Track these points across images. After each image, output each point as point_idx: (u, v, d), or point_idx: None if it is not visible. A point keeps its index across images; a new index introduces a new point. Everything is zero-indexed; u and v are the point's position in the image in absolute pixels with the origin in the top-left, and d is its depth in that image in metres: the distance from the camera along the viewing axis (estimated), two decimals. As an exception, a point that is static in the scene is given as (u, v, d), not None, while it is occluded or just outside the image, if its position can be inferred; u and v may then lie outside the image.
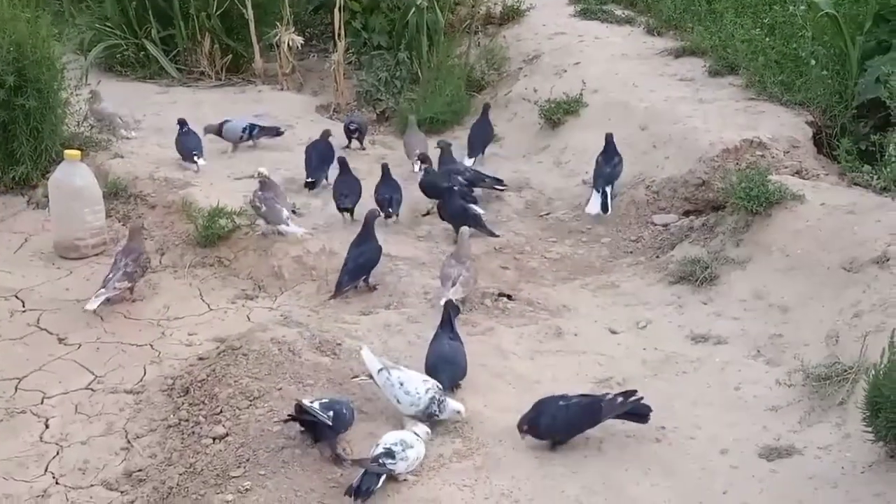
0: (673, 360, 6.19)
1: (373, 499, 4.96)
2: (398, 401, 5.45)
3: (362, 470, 5.00)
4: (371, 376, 5.58)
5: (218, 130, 9.25)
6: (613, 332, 6.56)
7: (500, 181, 8.59)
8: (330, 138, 8.87)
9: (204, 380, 5.96)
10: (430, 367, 5.84)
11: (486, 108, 9.62)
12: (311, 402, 5.36)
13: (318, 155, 8.64)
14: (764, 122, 8.50)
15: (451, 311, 6.14)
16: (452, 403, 5.49)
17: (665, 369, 6.11)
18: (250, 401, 5.66)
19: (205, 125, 9.24)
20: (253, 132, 9.29)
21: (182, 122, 8.91)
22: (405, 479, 5.11)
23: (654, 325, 6.62)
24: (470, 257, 7.04)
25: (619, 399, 5.40)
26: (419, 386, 5.46)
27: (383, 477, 5.00)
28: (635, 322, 6.65)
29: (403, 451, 5.07)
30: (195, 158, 8.67)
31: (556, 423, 5.31)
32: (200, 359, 6.29)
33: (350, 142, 9.58)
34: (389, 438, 5.16)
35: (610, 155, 8.25)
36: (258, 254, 7.45)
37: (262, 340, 6.18)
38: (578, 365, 6.14)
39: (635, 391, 5.46)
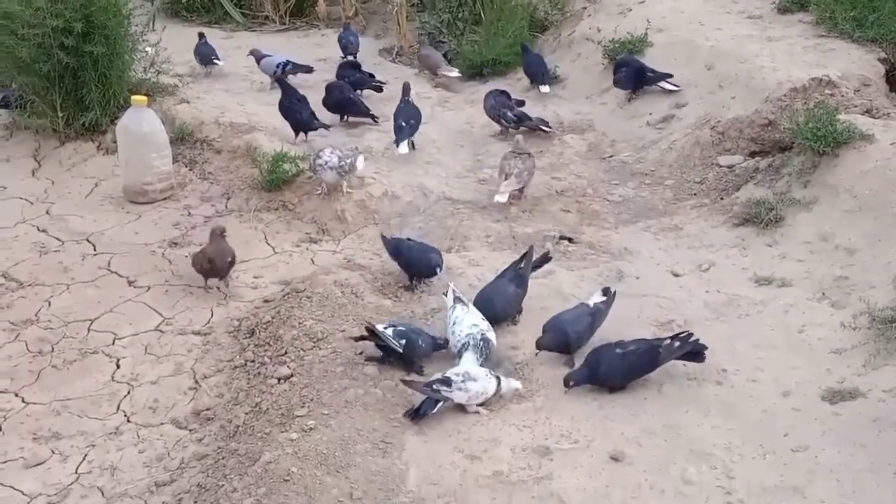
0: (735, 303, 6.12)
1: (434, 432, 5.05)
2: (453, 333, 5.59)
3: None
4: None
5: (258, 60, 9.53)
6: (675, 275, 6.50)
7: (547, 123, 8.58)
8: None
9: (269, 322, 6.06)
10: (476, 303, 5.92)
11: (524, 47, 9.79)
12: (385, 328, 5.51)
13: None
14: (834, 59, 8.27)
15: (525, 259, 6.11)
16: (512, 382, 5.37)
17: (727, 312, 6.04)
18: (314, 342, 5.75)
19: (251, 49, 9.74)
20: (286, 67, 9.51)
21: (201, 35, 9.95)
22: (476, 412, 5.18)
23: (716, 267, 6.54)
24: (527, 151, 7.39)
25: (677, 343, 5.37)
26: (465, 330, 5.53)
27: (440, 403, 5.11)
28: (698, 265, 6.58)
29: (464, 381, 5.14)
30: (214, 60, 9.65)
31: (615, 371, 5.31)
32: (266, 301, 6.39)
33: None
34: (455, 369, 5.25)
35: None
36: (321, 198, 7.49)
37: (325, 283, 6.26)
38: (639, 308, 6.09)
39: (690, 333, 5.44)
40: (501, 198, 7.30)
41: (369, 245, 7.06)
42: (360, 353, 5.63)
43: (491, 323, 5.73)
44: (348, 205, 7.41)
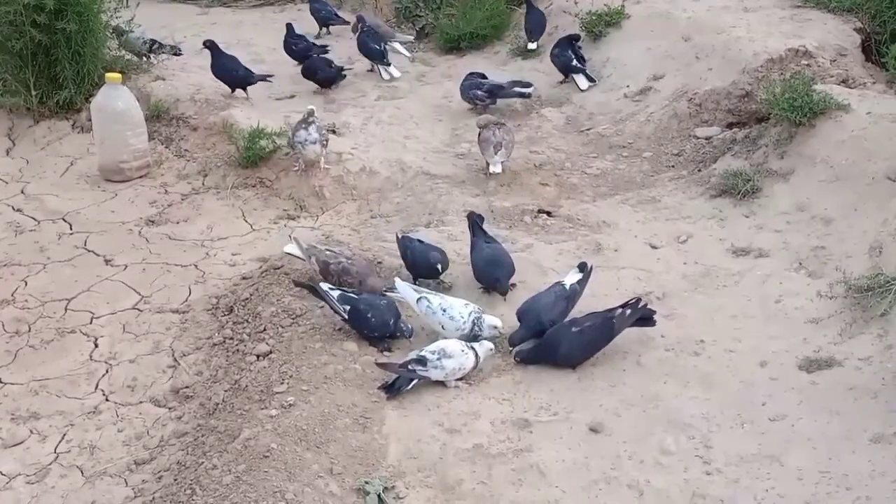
0: (713, 274, 6.14)
1: (414, 407, 5.06)
2: (443, 327, 5.49)
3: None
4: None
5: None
6: (654, 247, 6.52)
7: (525, 85, 8.57)
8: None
9: (247, 299, 6.05)
10: (480, 274, 5.91)
11: (528, 2, 9.81)
12: (332, 289, 5.54)
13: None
14: (810, 30, 8.28)
15: (476, 220, 6.17)
16: (489, 319, 5.52)
17: (705, 283, 6.07)
18: (293, 319, 5.73)
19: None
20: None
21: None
22: (456, 386, 5.20)
23: (694, 239, 6.56)
24: (500, 121, 7.49)
25: (628, 311, 5.40)
26: (462, 310, 5.48)
27: (415, 381, 5.13)
28: (676, 236, 6.60)
29: (439, 359, 5.14)
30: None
31: (574, 350, 5.34)
32: (244, 278, 6.37)
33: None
34: (431, 346, 5.25)
35: None
36: (299, 175, 7.45)
37: (303, 258, 6.23)
38: (618, 280, 6.11)
39: (639, 299, 5.48)
40: (497, 168, 7.32)
41: (347, 221, 7.04)
42: (339, 330, 5.63)
43: (508, 281, 5.86)
44: (326, 181, 7.38)
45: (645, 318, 5.47)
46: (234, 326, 5.88)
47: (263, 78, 8.79)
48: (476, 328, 5.45)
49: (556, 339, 5.33)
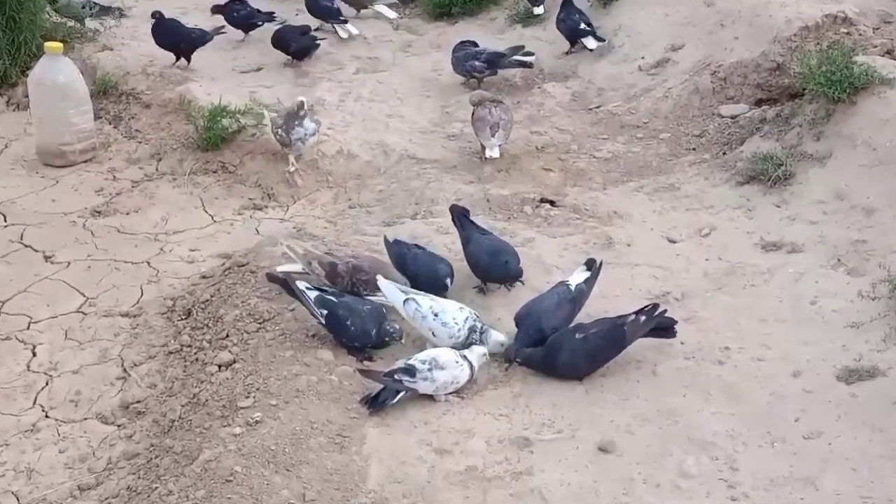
0: (740, 272, 6.15)
1: (398, 424, 5.06)
2: (433, 333, 5.48)
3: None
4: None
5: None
6: (672, 241, 6.53)
7: (527, 54, 8.56)
8: None
9: (208, 301, 6.04)
10: (485, 266, 5.89)
11: None
12: (310, 289, 5.54)
13: None
14: (850, -8, 8.31)
15: (461, 212, 6.15)
16: (495, 335, 5.48)
17: (730, 282, 6.08)
18: (259, 323, 5.73)
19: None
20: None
21: None
22: (446, 400, 5.20)
23: (718, 231, 6.57)
24: (497, 98, 7.50)
25: (643, 318, 5.39)
26: (456, 315, 5.46)
27: (401, 393, 5.12)
28: (697, 229, 6.61)
29: (430, 370, 5.14)
30: None
31: (578, 360, 5.33)
32: (203, 277, 6.37)
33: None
34: (421, 354, 5.25)
35: None
36: (267, 158, 7.45)
37: (272, 256, 6.23)
38: (631, 278, 6.11)
39: (657, 305, 5.48)
40: (494, 152, 7.32)
41: (322, 211, 7.04)
42: (313, 336, 5.62)
43: (518, 269, 5.87)
44: (298, 166, 7.38)
45: (663, 327, 5.47)
46: (192, 332, 5.87)
47: (217, 32, 8.79)
48: (473, 334, 5.43)
49: (557, 347, 5.33)
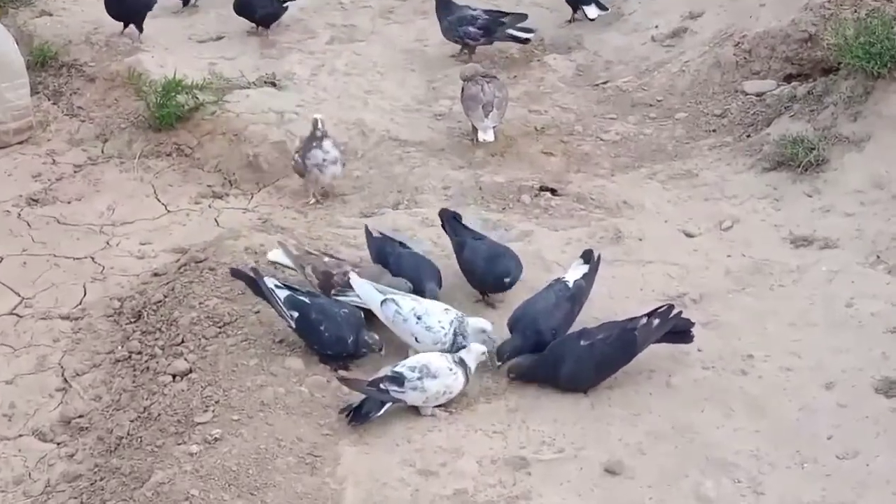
0: (766, 270, 6.18)
1: (377, 441, 5.07)
2: (417, 339, 5.49)
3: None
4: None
5: None
6: (689, 235, 6.55)
7: (527, 29, 8.54)
8: None
9: (160, 301, 6.03)
10: (482, 274, 5.89)
11: None
12: (280, 286, 5.55)
13: None
14: (892, -47, 8.33)
15: (452, 217, 6.13)
16: (474, 321, 5.50)
17: (756, 282, 6.10)
18: (219, 328, 5.73)
19: None
20: None
21: None
22: (432, 414, 5.21)
23: (741, 224, 6.60)
24: (491, 73, 7.50)
25: (656, 321, 5.40)
26: (441, 317, 5.47)
27: (388, 405, 5.14)
28: (717, 221, 6.64)
29: (420, 379, 5.15)
30: None
31: (583, 369, 5.34)
32: (156, 275, 6.36)
33: None
34: (410, 361, 5.26)
35: None
36: (228, 139, 7.45)
37: (234, 251, 6.24)
38: (642, 277, 6.13)
39: (671, 306, 5.49)
40: (488, 136, 7.32)
41: (291, 200, 7.04)
42: (281, 342, 5.63)
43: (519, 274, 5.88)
44: (263, 147, 7.38)
45: (679, 331, 5.48)
46: (142, 337, 5.87)
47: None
48: (459, 338, 5.45)
49: (559, 355, 5.35)
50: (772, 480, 4.85)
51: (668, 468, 4.93)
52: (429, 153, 7.44)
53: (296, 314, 5.49)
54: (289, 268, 5.97)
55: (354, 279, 5.67)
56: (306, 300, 5.54)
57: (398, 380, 5.15)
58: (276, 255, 6.05)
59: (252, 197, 7.18)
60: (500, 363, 5.45)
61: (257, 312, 5.79)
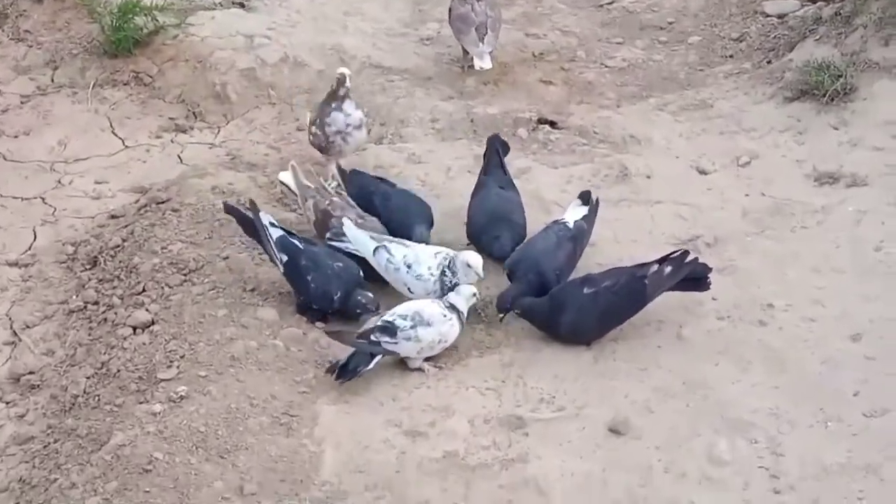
0: (787, 211, 6.20)
1: (358, 400, 5.11)
2: (409, 289, 5.54)
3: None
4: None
5: None
6: (703, 172, 6.56)
7: None
8: None
9: (119, 246, 6.03)
10: (475, 231, 5.90)
11: None
12: (275, 225, 5.59)
13: None
14: None
15: (499, 147, 6.15)
16: (464, 255, 5.49)
17: (776, 223, 6.12)
18: (184, 275, 5.74)
19: None
20: None
21: None
22: (420, 369, 5.25)
23: (761, 160, 6.61)
24: None
25: (667, 268, 5.41)
26: (430, 263, 5.51)
27: (378, 358, 5.18)
28: (734, 157, 6.65)
29: (413, 328, 5.18)
30: None
31: (586, 320, 5.36)
32: (113, 217, 6.36)
33: None
34: (401, 309, 5.29)
35: None
36: (192, 66, 7.40)
37: (200, 190, 6.26)
38: (652, 219, 6.14)
39: (686, 252, 5.50)
40: (485, 62, 7.26)
41: (262, 134, 7.02)
42: (252, 290, 5.65)
43: (514, 248, 5.80)
44: (231, 76, 7.34)
45: (692, 278, 5.49)
46: (99, 286, 5.87)
47: None
48: (447, 278, 5.48)
49: (560, 303, 5.37)
50: (792, 440, 4.87)
51: (679, 428, 4.96)
52: (415, 82, 7.42)
53: (285, 258, 5.52)
54: (292, 193, 6.02)
55: (348, 225, 5.69)
56: (299, 244, 5.57)
57: (390, 330, 5.18)
58: (286, 176, 6.11)
59: (219, 131, 7.15)
60: (501, 315, 5.48)
61: (226, 258, 5.80)
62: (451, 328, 5.28)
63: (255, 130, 7.10)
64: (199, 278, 5.72)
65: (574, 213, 5.75)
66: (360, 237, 5.66)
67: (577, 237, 5.65)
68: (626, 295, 5.38)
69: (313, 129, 6.42)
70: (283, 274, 5.56)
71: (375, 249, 5.58)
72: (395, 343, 5.18)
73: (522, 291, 5.48)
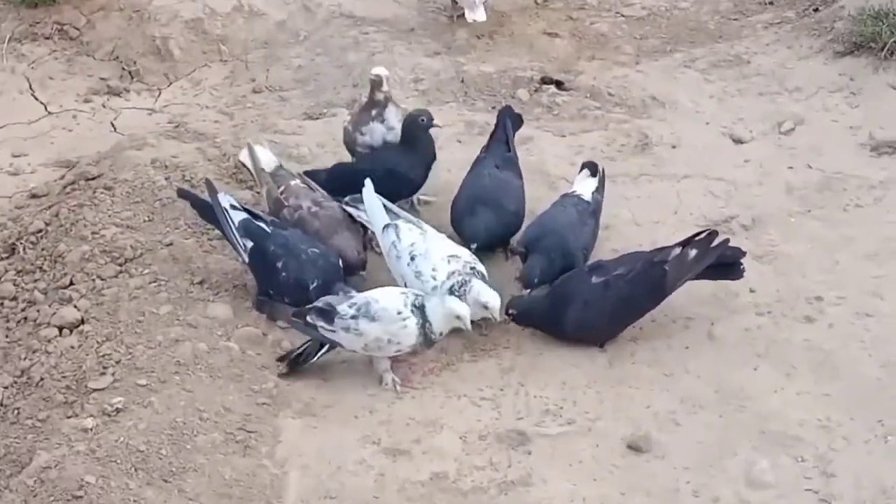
0: (838, 185, 6.23)
1: (330, 412, 5.13)
2: (406, 283, 5.53)
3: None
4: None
5: None
6: (738, 141, 6.59)
7: None
8: None
9: (41, 231, 6.02)
10: (457, 216, 5.92)
11: None
12: (236, 207, 5.61)
13: None
14: None
15: (509, 119, 6.16)
16: (478, 289, 5.37)
17: (825, 201, 6.15)
18: (120, 265, 5.74)
19: None
20: None
21: None
22: (387, 385, 5.25)
23: (807, 126, 6.64)
24: None
25: (693, 252, 5.41)
26: (439, 265, 5.49)
27: (324, 348, 5.22)
28: (776, 123, 6.67)
29: (354, 318, 5.16)
30: None
31: (595, 315, 5.37)
32: (34, 196, 6.36)
33: None
34: (361, 295, 5.28)
35: None
36: (127, 17, 7.40)
37: (137, 164, 6.25)
38: (677, 198, 6.16)
39: (714, 233, 5.49)
40: (478, 14, 7.26)
41: (212, 97, 7.04)
42: (201, 283, 5.65)
43: (488, 240, 5.81)
44: (174, 27, 7.36)
45: (725, 263, 5.51)
46: (17, 278, 5.85)
47: None
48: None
49: (565, 296, 5.38)
50: (845, 459, 4.89)
51: (711, 444, 4.98)
52: (394, 35, 7.43)
53: (250, 244, 5.53)
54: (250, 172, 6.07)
55: (368, 189, 5.72)
56: (266, 228, 5.58)
57: (328, 314, 5.18)
58: (245, 156, 6.15)
59: (159, 93, 7.17)
60: (528, 290, 5.50)
61: (169, 245, 5.80)
62: (402, 331, 5.20)
63: (203, 93, 7.13)
64: (137, 269, 5.72)
65: (586, 186, 5.78)
66: (374, 206, 5.69)
67: (597, 213, 5.70)
68: (643, 285, 5.39)
69: (348, 126, 6.33)
70: (248, 263, 5.57)
71: (386, 226, 5.61)
72: (333, 332, 5.18)
73: (546, 269, 5.49)
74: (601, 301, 5.35)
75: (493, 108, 6.78)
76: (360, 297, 5.25)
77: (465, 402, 5.19)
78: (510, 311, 5.44)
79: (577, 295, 5.37)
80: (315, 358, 5.19)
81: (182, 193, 5.85)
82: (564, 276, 5.46)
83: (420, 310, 5.22)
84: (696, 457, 4.93)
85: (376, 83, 6.22)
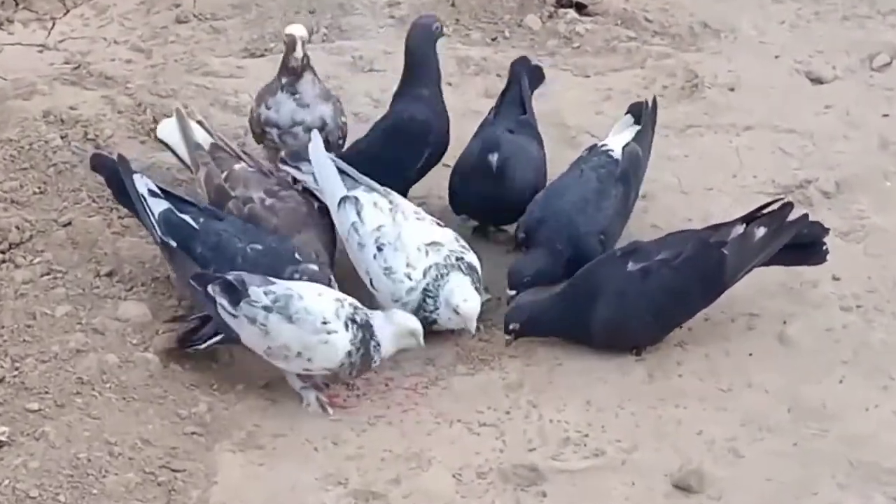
0: (950, 142, 6.28)
1: (283, 441, 5.16)
2: (372, 282, 5.59)
3: None
4: None
5: None
6: (817, 81, 6.65)
7: None
8: None
9: None
10: (451, 189, 6.03)
11: None
12: (155, 192, 5.59)
13: None
14: None
15: (525, 72, 6.22)
16: (453, 288, 5.46)
17: (931, 161, 6.21)
18: (2, 252, 5.80)
19: None
20: None
21: None
22: (308, 405, 5.31)
23: (908, 61, 6.70)
24: None
25: (760, 230, 5.45)
26: (415, 257, 5.54)
27: (218, 336, 5.30)
28: (866, 56, 6.75)
29: (266, 309, 5.19)
30: None
31: (631, 314, 5.42)
32: None
33: None
34: (285, 286, 5.28)
35: None
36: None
37: (25, 118, 6.33)
38: (736, 156, 6.21)
39: (789, 205, 5.53)
40: None
41: (121, 29, 7.07)
42: (110, 275, 5.69)
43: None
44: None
45: (801, 243, 5.55)
46: None
47: None
48: (429, 301, 5.50)
49: (590, 288, 5.44)
50: (962, 497, 4.96)
51: (783, 482, 5.00)
52: (362, -57, 7.46)
53: (173, 244, 5.52)
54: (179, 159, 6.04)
55: (316, 143, 5.75)
56: (191, 221, 5.59)
57: (234, 291, 5.20)
58: (167, 128, 6.07)
59: (53, 24, 7.19)
60: (513, 293, 5.55)
61: (67, 225, 5.85)
62: (320, 346, 5.22)
63: (110, 23, 7.16)
64: (25, 256, 5.79)
65: (620, 137, 5.81)
66: (326, 170, 5.69)
67: (627, 176, 5.69)
68: (694, 273, 5.43)
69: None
70: (168, 261, 5.60)
71: (343, 199, 5.61)
72: (234, 317, 5.22)
73: (545, 268, 5.54)
74: (638, 294, 5.40)
75: (494, 39, 6.83)
76: (283, 287, 5.25)
77: (459, 428, 5.24)
78: (511, 329, 5.44)
79: (606, 286, 5.41)
80: (203, 346, 5.29)
81: (97, 162, 5.82)
82: (590, 264, 5.48)
83: (363, 328, 5.23)
84: (762, 497, 4.96)
85: (290, 45, 6.13)
